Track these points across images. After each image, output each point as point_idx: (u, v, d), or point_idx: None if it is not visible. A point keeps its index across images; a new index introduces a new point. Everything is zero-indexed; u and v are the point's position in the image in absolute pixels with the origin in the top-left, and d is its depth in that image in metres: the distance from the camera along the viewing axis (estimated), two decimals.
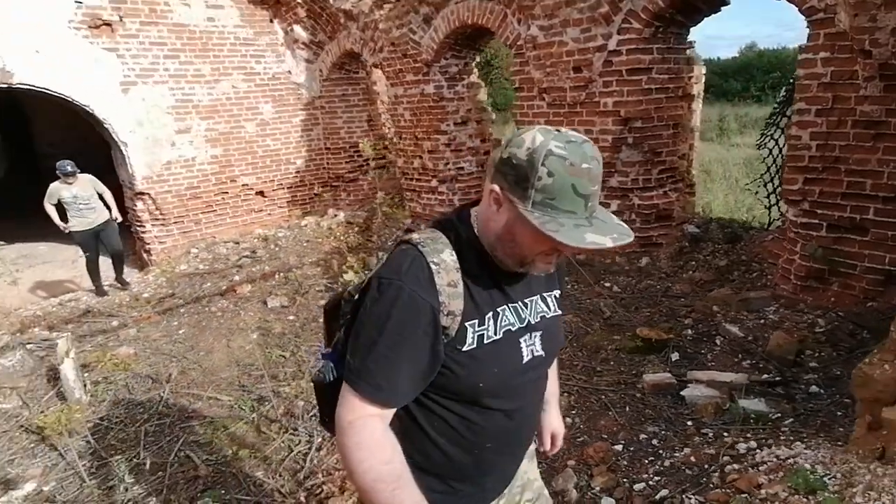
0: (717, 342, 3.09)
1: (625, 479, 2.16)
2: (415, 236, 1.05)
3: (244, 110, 7.50)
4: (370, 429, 0.98)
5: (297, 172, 8.21)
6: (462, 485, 1.15)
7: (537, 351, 1.14)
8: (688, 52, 4.81)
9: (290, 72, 7.89)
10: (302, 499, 2.18)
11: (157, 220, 6.98)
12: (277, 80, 7.76)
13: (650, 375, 2.72)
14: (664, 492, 2.01)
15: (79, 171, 5.67)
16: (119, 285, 6.13)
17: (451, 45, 6.31)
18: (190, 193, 7.14)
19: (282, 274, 5.74)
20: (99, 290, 5.94)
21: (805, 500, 1.52)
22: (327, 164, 8.49)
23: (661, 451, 2.28)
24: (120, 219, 6.02)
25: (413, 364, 1.00)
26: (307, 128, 8.21)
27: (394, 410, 1.03)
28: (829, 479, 1.56)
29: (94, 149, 7.89)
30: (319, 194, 8.45)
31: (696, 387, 2.50)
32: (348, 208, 8.22)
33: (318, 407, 1.26)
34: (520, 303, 1.11)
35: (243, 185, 7.66)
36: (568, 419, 2.66)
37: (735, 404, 2.36)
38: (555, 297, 1.22)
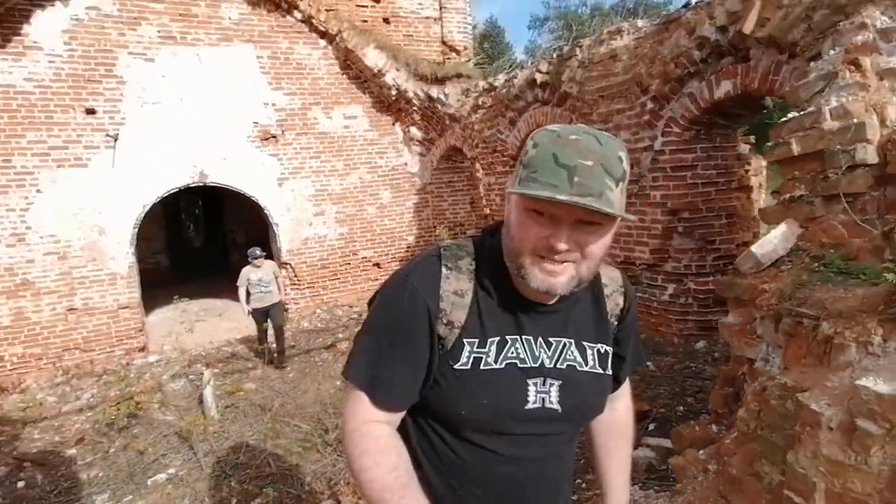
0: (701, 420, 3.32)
1: None
2: (447, 243, 1.02)
3: (367, 196, 9.08)
4: (374, 435, 0.93)
5: (409, 247, 9.51)
6: None
7: (550, 403, 0.98)
8: (740, 147, 5.12)
9: (406, 163, 9.41)
10: (326, 497, 3.00)
11: (295, 285, 8.64)
12: (396, 171, 9.29)
13: None
14: None
15: (264, 255, 6.57)
16: (276, 355, 6.40)
17: None
18: (320, 264, 8.74)
19: None
20: (263, 353, 6.48)
21: None
22: (435, 239, 9.70)
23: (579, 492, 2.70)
24: (283, 297, 6.77)
25: (413, 363, 0.94)
26: (419, 209, 9.56)
27: (401, 414, 0.98)
28: None
29: (259, 229, 10.04)
30: None
31: (643, 449, 2.84)
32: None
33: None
34: (541, 339, 0.98)
35: (363, 257, 9.12)
36: None
37: (665, 464, 2.67)
38: (600, 351, 1.04)
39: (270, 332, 6.55)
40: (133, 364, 6.86)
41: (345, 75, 8.67)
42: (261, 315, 6.50)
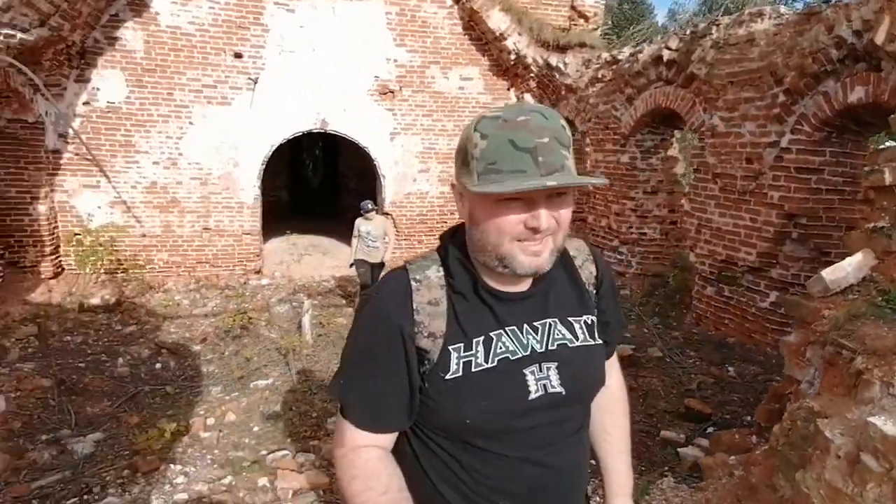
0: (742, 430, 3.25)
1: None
2: (411, 259, 1.02)
3: None
4: (364, 459, 0.92)
5: None
6: None
7: (553, 387, 0.95)
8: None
9: None
10: None
11: (394, 236, 9.21)
12: None
13: (666, 431, 3.15)
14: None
15: (376, 209, 6.63)
16: None
17: (647, 123, 6.93)
18: (419, 219, 9.20)
19: None
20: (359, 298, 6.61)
21: None
22: None
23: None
24: (387, 260, 6.50)
25: (388, 385, 0.92)
26: None
27: (391, 436, 0.96)
28: None
29: (368, 178, 10.70)
30: None
31: (693, 448, 2.87)
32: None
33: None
34: (525, 326, 0.96)
35: (459, 218, 9.44)
36: None
37: None
38: (586, 323, 1.02)
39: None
40: (249, 284, 7.86)
41: (466, 36, 8.78)
42: (364, 268, 6.38)
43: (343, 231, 7.95)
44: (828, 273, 1.95)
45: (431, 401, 0.93)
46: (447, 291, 0.94)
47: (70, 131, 7.19)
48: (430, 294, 0.93)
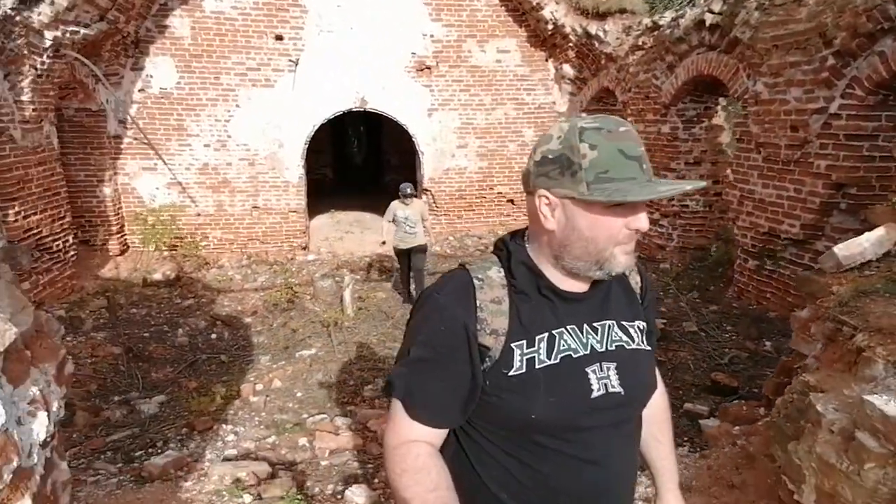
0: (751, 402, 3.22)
1: None
2: (470, 260, 1.03)
3: (510, 133, 9.23)
4: (415, 454, 0.93)
5: None
6: None
7: (613, 387, 0.98)
8: None
9: (554, 102, 9.27)
10: None
11: (433, 211, 9.33)
12: (542, 110, 9.24)
13: (689, 404, 3.18)
14: None
15: (415, 195, 6.24)
16: (411, 294, 6.23)
17: (689, 91, 6.68)
18: (458, 195, 9.28)
19: None
20: (408, 298, 6.24)
21: None
22: None
23: None
24: (431, 243, 6.41)
25: (450, 382, 0.94)
26: None
27: (442, 433, 0.98)
28: None
29: (409, 154, 10.83)
30: None
31: (715, 421, 2.89)
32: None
33: None
34: (585, 326, 0.99)
35: (498, 192, 9.45)
36: None
37: None
38: (639, 328, 1.05)
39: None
40: (295, 260, 8.24)
41: (503, 7, 8.64)
42: (402, 256, 6.15)
43: (385, 208, 8.15)
44: (840, 249, 1.92)
45: (495, 397, 0.95)
46: (509, 291, 0.96)
47: (128, 118, 7.67)
48: (492, 293, 0.95)
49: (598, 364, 0.98)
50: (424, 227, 6.14)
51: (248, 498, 2.48)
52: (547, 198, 0.93)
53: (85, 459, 3.33)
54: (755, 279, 5.61)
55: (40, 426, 1.40)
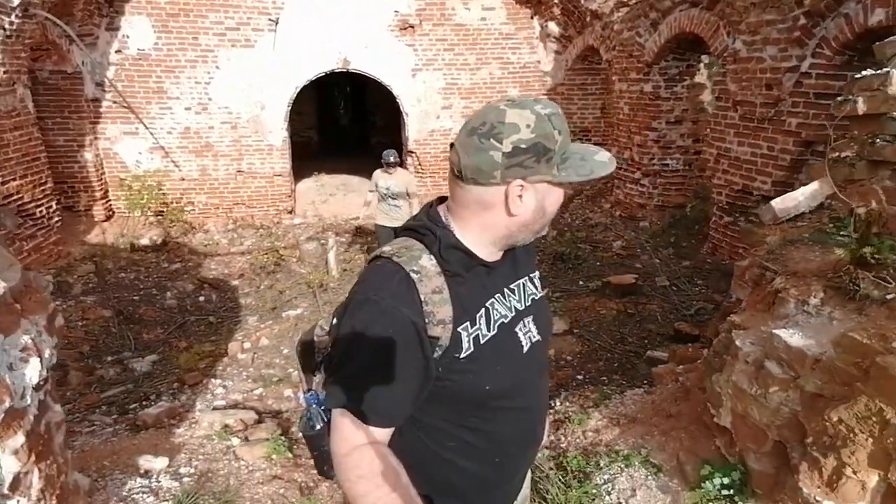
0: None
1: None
2: (387, 249, 1.00)
3: (496, 93, 9.17)
4: (369, 457, 0.92)
5: None
6: (486, 497, 1.10)
7: (534, 336, 1.09)
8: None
9: (539, 61, 9.20)
10: None
11: (419, 173, 9.37)
12: (527, 69, 9.17)
13: (652, 352, 3.41)
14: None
15: (399, 164, 5.62)
16: None
17: (672, 49, 6.69)
18: (443, 156, 9.30)
19: None
20: None
21: None
22: None
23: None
24: None
25: (400, 382, 0.94)
26: None
27: (390, 432, 0.98)
28: None
29: (395, 116, 10.76)
30: None
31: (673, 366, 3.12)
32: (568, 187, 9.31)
33: (314, 459, 1.13)
34: (505, 289, 1.06)
35: None
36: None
37: None
38: (538, 276, 1.17)
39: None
40: (282, 223, 8.31)
41: None
42: (387, 236, 5.35)
43: (372, 168, 8.14)
44: (777, 202, 2.06)
45: (448, 381, 0.97)
46: (445, 277, 0.96)
47: (106, 80, 7.55)
48: (431, 283, 0.94)
49: (522, 322, 1.07)
50: (410, 203, 5.44)
51: (235, 441, 2.66)
52: (522, 186, 0.94)
53: (80, 414, 3.50)
54: (728, 235, 5.79)
55: (33, 371, 1.54)
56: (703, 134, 7.13)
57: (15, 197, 6.05)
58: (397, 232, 1.08)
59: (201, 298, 5.87)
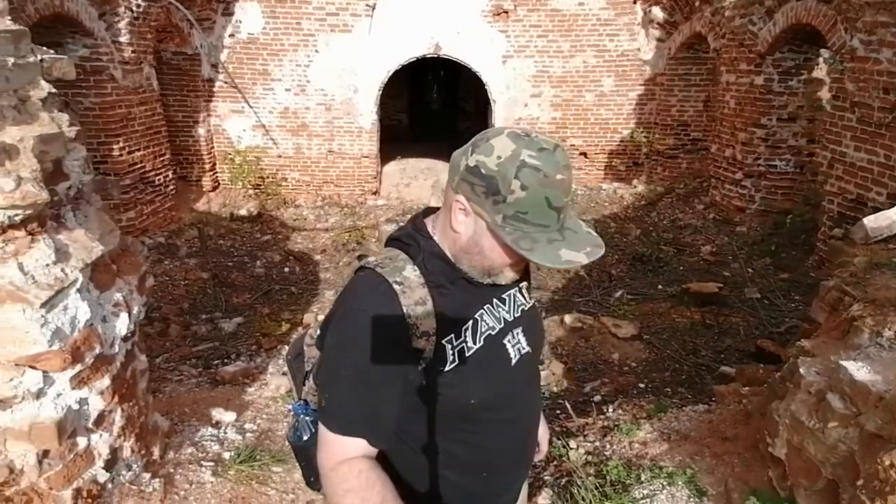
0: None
1: None
2: (371, 259, 0.99)
3: (588, 82, 8.85)
4: (356, 471, 0.91)
5: (622, 142, 9.20)
6: None
7: (524, 348, 1.07)
8: None
9: (639, 49, 8.73)
10: None
11: None
12: (624, 57, 8.74)
13: (726, 367, 3.17)
14: None
15: None
16: None
17: (788, 40, 6.09)
18: None
19: None
20: None
21: None
22: (652, 138, 9.15)
23: None
24: None
25: (384, 395, 0.93)
26: (641, 102, 8.99)
27: (376, 449, 0.96)
28: None
29: (484, 102, 10.74)
30: (638, 164, 9.28)
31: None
32: (655, 183, 8.84)
33: (301, 469, 1.14)
34: (495, 300, 1.05)
35: (571, 145, 9.20)
36: None
37: None
38: (526, 286, 1.14)
39: None
40: (365, 203, 8.65)
41: None
42: None
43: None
44: (870, 220, 1.83)
45: (434, 394, 0.97)
46: (429, 288, 0.95)
47: (219, 62, 8.21)
48: (414, 295, 0.93)
49: (510, 333, 1.05)
50: None
51: None
52: (463, 206, 0.93)
53: (174, 363, 3.93)
54: (834, 241, 5.23)
55: (122, 324, 1.76)
56: (819, 134, 6.44)
57: (138, 166, 6.80)
58: (385, 242, 1.08)
59: (286, 269, 6.29)
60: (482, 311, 1.02)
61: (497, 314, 1.04)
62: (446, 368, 0.96)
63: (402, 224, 1.14)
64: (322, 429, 0.95)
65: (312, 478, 1.09)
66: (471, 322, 0.99)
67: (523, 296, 1.12)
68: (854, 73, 4.75)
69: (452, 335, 0.97)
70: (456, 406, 0.99)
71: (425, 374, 0.96)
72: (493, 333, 1.02)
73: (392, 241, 1.04)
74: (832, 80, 5.25)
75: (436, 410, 0.98)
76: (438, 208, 1.05)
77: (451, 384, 0.97)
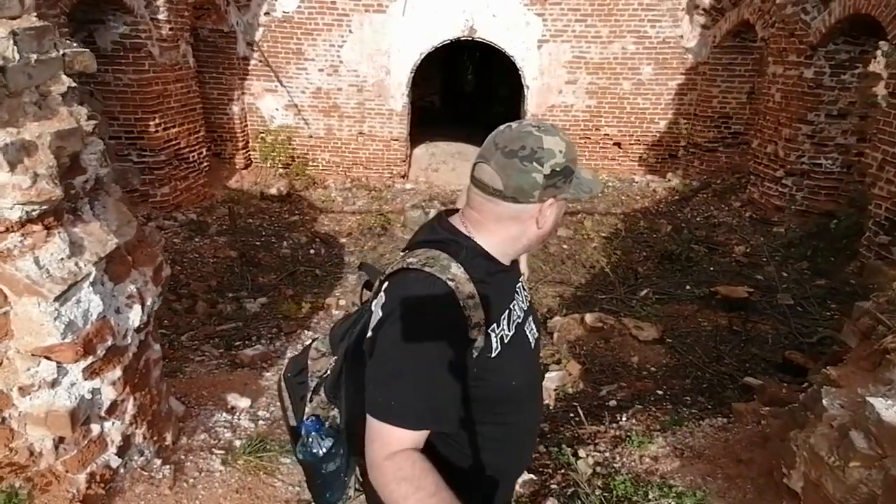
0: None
1: None
2: (413, 261, 1.03)
3: (626, 69, 8.55)
4: (411, 461, 0.94)
5: (657, 133, 8.90)
6: (504, 488, 1.17)
7: (535, 333, 1.20)
8: None
9: (681, 36, 8.36)
10: None
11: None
12: (666, 45, 8.39)
13: (750, 378, 3.04)
14: None
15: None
16: None
17: (843, 31, 5.73)
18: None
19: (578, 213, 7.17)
20: None
21: None
22: (691, 129, 8.82)
23: None
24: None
25: (448, 386, 0.97)
26: (681, 92, 8.65)
27: (425, 436, 0.99)
28: None
29: (518, 86, 10.52)
30: (674, 157, 8.97)
31: None
32: (691, 177, 8.54)
33: (310, 488, 1.18)
34: (516, 293, 1.15)
35: (605, 134, 8.95)
36: None
37: None
38: (524, 280, 1.29)
39: None
40: (393, 187, 8.64)
41: None
42: None
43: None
44: None
45: (482, 380, 1.04)
46: (474, 284, 1.01)
47: (255, 40, 8.25)
48: (465, 290, 0.99)
49: (527, 320, 1.18)
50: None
51: None
52: (552, 203, 1.04)
53: (198, 342, 4.03)
54: (882, 257, 4.96)
55: (135, 316, 1.79)
56: (871, 133, 6.08)
57: (173, 142, 6.93)
58: (409, 245, 1.12)
59: (311, 251, 6.36)
60: (514, 301, 1.13)
61: (521, 305, 1.17)
62: (493, 355, 1.04)
63: (427, 212, 1.29)
64: (374, 423, 0.97)
65: (328, 492, 1.14)
66: (507, 312, 1.10)
67: (524, 288, 1.25)
68: None
69: (495, 324, 1.06)
70: (500, 389, 1.08)
71: (476, 363, 1.03)
72: (519, 321, 1.13)
73: (427, 244, 1.08)
74: (889, 75, 4.92)
75: (483, 396, 1.06)
76: (457, 210, 1.14)
77: (498, 369, 1.05)
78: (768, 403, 2.22)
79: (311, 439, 1.10)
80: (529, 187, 1.01)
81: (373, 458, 0.96)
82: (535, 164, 0.99)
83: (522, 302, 1.18)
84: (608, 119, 8.85)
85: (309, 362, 1.19)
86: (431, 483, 0.92)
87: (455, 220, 1.10)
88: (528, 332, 1.15)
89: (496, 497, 1.15)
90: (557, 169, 1.00)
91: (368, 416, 0.98)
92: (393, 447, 0.95)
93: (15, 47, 1.50)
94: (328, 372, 1.16)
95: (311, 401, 1.16)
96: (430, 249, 1.05)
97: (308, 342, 1.29)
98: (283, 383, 1.27)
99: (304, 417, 1.15)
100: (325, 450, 1.09)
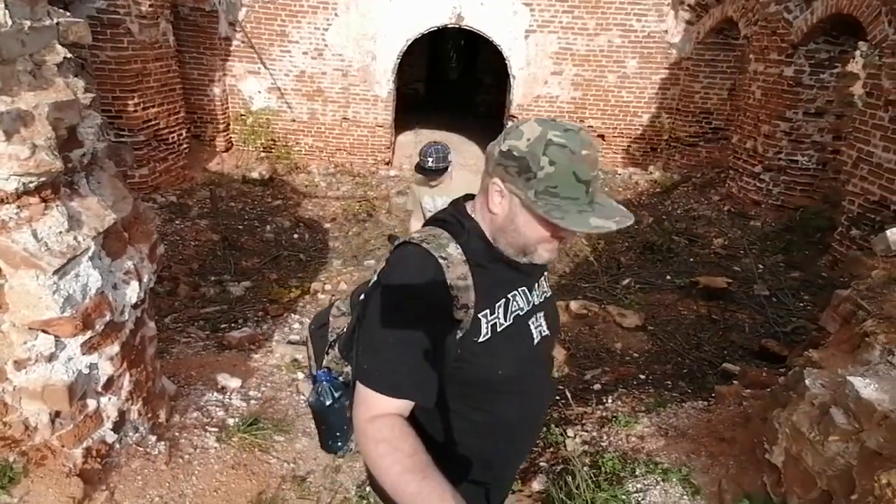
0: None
1: None
2: (415, 236, 1.06)
3: (612, 62, 8.63)
4: (391, 424, 0.97)
5: (640, 126, 9.03)
6: (486, 476, 1.17)
7: (544, 331, 1.17)
8: None
9: (666, 31, 8.47)
10: None
11: None
12: (651, 39, 8.49)
13: (728, 364, 3.16)
14: None
15: (450, 168, 3.26)
16: None
17: (824, 30, 5.88)
18: None
19: None
20: None
21: None
22: (673, 124, 8.97)
23: None
24: None
25: (428, 359, 0.99)
26: (664, 87, 8.77)
27: (411, 406, 1.01)
28: None
29: (503, 75, 10.52)
30: (656, 150, 9.11)
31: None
32: (672, 170, 8.70)
33: (319, 433, 1.24)
34: (526, 286, 1.14)
35: (589, 126, 9.04)
36: None
37: None
38: (547, 276, 1.26)
39: None
40: (378, 174, 8.60)
41: None
42: None
43: (474, 128, 8.10)
44: (893, 233, 1.79)
45: (466, 363, 1.05)
46: (469, 265, 1.03)
47: (237, 20, 8.07)
48: (457, 270, 1.01)
49: (535, 315, 1.16)
50: None
51: (300, 375, 2.92)
52: (499, 187, 1.02)
53: (182, 324, 3.99)
54: (853, 250, 5.15)
55: (132, 292, 1.78)
56: (846, 131, 6.28)
57: (152, 122, 6.77)
58: (426, 222, 1.14)
59: (295, 236, 6.31)
60: (515, 292, 1.11)
61: (526, 297, 1.14)
62: (480, 340, 1.04)
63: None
64: (360, 387, 1.01)
65: (330, 441, 1.20)
66: (503, 300, 1.08)
67: (546, 284, 1.24)
68: (892, 70, 4.59)
69: (488, 310, 1.05)
70: (484, 376, 1.08)
71: (460, 344, 1.03)
72: (521, 314, 1.11)
73: (434, 222, 1.11)
74: (868, 75, 5.08)
75: (464, 379, 1.07)
76: (472, 196, 1.15)
77: (483, 355, 1.05)
78: (749, 386, 2.32)
79: (322, 388, 1.16)
80: (489, 156, 1.04)
81: (357, 420, 1.00)
82: (503, 136, 1.02)
83: (535, 297, 1.15)
84: (592, 111, 8.93)
85: (330, 319, 1.25)
86: (409, 446, 0.94)
87: (469, 204, 1.13)
88: (532, 327, 1.14)
89: (488, 483, 1.17)
90: (514, 153, 0.97)
91: (356, 380, 1.02)
92: (375, 411, 0.98)
93: (7, 11, 1.46)
94: (344, 329, 1.22)
95: (327, 354, 1.23)
96: (435, 228, 1.08)
97: (326, 306, 1.35)
98: (308, 334, 1.35)
99: (320, 367, 1.23)
100: (331, 400, 1.15)
